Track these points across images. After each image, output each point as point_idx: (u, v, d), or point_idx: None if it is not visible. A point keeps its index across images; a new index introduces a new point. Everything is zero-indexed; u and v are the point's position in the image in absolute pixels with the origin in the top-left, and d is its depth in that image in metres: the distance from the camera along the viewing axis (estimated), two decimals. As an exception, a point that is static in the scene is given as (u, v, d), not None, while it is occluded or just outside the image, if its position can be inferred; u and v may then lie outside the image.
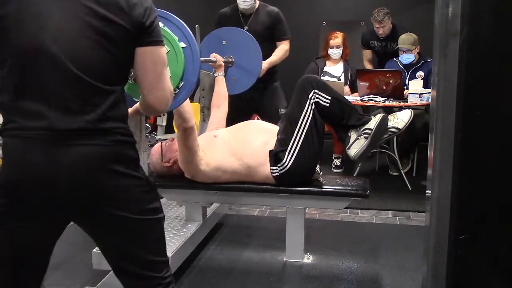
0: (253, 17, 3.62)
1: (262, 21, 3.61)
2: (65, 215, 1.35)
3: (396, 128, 2.48)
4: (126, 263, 1.39)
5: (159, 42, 1.36)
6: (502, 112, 1.20)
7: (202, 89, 3.09)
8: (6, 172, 1.29)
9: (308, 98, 2.42)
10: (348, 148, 2.52)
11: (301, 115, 2.43)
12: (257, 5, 3.64)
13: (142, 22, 1.31)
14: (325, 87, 2.46)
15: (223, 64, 3.02)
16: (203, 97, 3.10)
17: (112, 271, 2.20)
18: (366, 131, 2.46)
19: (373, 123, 2.46)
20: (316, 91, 2.42)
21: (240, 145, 2.52)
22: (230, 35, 3.23)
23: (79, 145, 1.26)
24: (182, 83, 1.82)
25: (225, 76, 3.06)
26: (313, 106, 2.42)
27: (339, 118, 2.49)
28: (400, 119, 2.48)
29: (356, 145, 2.49)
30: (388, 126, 2.48)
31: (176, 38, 1.81)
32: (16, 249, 1.34)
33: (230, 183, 2.54)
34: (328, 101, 2.42)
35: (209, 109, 3.17)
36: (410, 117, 2.48)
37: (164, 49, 1.39)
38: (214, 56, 2.96)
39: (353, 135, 2.50)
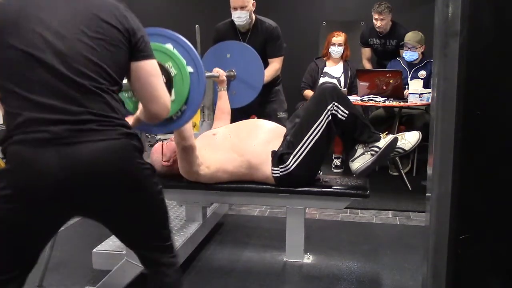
0: (251, 35, 3.49)
1: (259, 40, 3.48)
2: (81, 211, 1.43)
3: (403, 149, 2.46)
4: (145, 239, 1.53)
5: (150, 56, 1.48)
6: (502, 112, 1.20)
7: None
8: (13, 178, 1.29)
9: (326, 108, 2.40)
10: (352, 161, 2.50)
11: (315, 123, 2.40)
12: (253, 21, 3.48)
13: (135, 33, 1.43)
14: (345, 101, 2.43)
15: (225, 79, 3.02)
16: (202, 97, 3.10)
17: (112, 272, 2.22)
18: (375, 148, 2.45)
19: (383, 142, 2.44)
20: (336, 103, 2.39)
21: (241, 142, 2.51)
22: (234, 49, 3.23)
23: (92, 142, 1.31)
24: (185, 106, 1.86)
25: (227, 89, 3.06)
26: (330, 118, 2.40)
27: (351, 131, 2.47)
28: (407, 141, 2.47)
29: (361, 160, 2.48)
30: None
31: (184, 62, 1.83)
32: (13, 238, 1.36)
33: (230, 183, 2.55)
34: (345, 116, 2.40)
35: (209, 109, 3.17)
36: (418, 140, 2.47)
37: (155, 62, 1.50)
38: (217, 71, 2.96)
39: (359, 149, 2.49)
